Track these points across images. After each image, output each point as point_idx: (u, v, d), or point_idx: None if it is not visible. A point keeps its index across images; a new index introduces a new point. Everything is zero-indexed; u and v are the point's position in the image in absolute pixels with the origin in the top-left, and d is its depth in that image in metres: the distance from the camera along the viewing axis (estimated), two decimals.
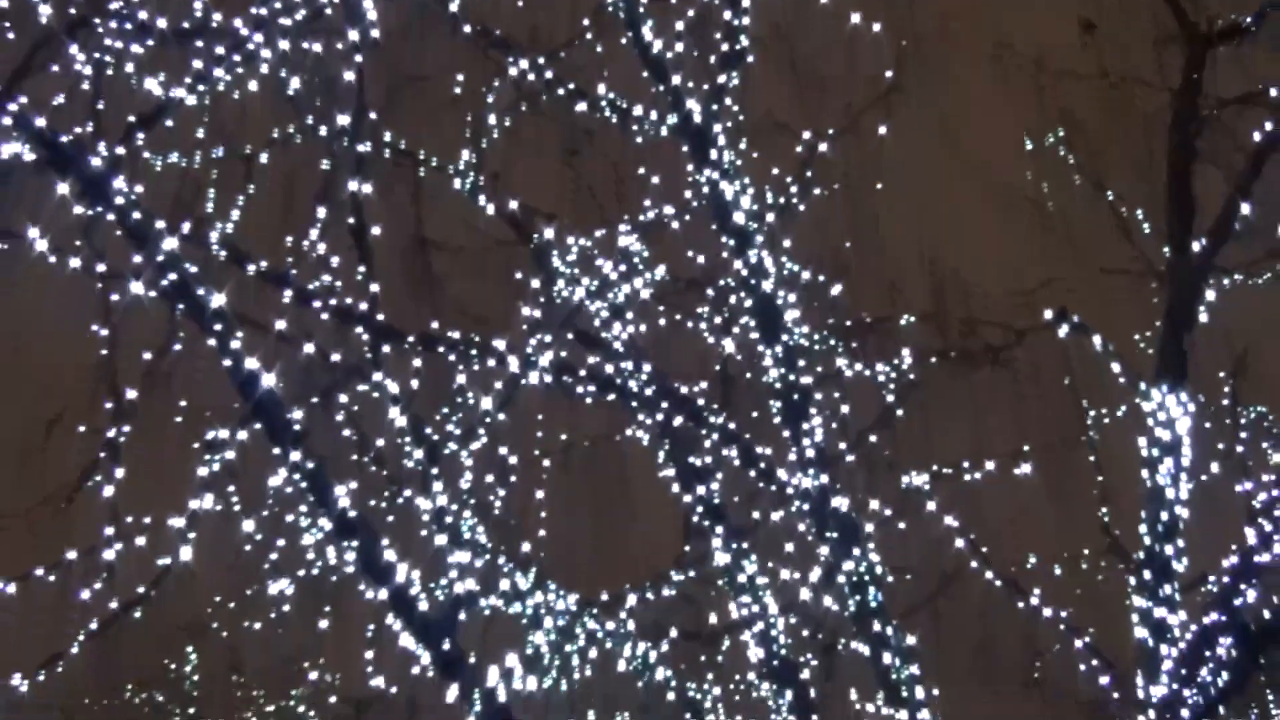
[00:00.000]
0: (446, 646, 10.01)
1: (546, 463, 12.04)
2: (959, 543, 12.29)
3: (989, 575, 12.61)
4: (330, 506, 9.98)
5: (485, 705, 10.05)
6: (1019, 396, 13.49)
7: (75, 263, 10.18)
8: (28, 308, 11.31)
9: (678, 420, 11.36)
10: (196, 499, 10.36)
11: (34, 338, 12.39)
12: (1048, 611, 12.46)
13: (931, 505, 12.11)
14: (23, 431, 11.93)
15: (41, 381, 12.13)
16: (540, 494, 11.78)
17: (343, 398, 11.16)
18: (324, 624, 11.87)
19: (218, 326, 9.68)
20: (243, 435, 10.39)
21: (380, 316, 10.81)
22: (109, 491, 10.59)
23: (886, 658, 11.08)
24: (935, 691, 11.01)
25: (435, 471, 10.90)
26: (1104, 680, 12.22)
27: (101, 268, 10.34)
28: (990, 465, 12.25)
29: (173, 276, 9.65)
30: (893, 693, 10.82)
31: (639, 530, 12.37)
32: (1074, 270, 13.48)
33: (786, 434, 11.18)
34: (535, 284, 11.68)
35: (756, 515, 11.54)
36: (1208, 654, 10.76)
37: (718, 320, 11.72)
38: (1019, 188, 14.62)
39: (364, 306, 10.77)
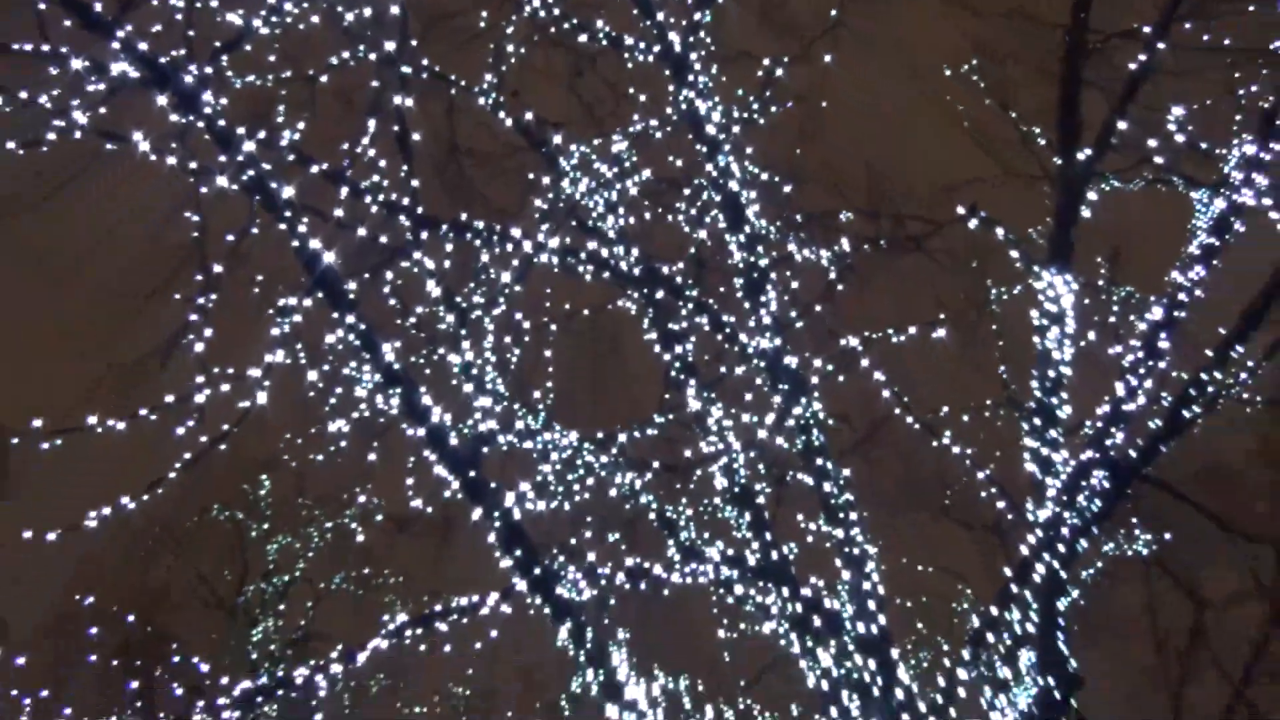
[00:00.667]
0: (472, 475, 10.44)
1: (554, 327, 12.27)
2: (886, 394, 12.69)
3: (910, 421, 12.96)
4: (378, 361, 10.39)
5: (503, 523, 10.43)
6: (936, 276, 13.86)
7: (171, 161, 10.41)
8: (134, 198, 11.61)
9: (659, 294, 11.74)
10: (270, 354, 10.64)
11: (139, 223, 12.69)
12: (956, 450, 12.83)
13: (864, 363, 12.54)
14: (131, 299, 12.27)
15: (145, 258, 12.40)
16: (548, 352, 11.99)
17: (388, 273, 11.39)
18: (372, 456, 12.13)
19: (287, 214, 10.05)
20: (307, 303, 10.72)
21: (419, 208, 11.03)
22: (199, 348, 10.81)
23: (827, 487, 11.30)
24: (866, 514, 11.33)
25: (464, 333, 11.21)
26: (1001, 505, 12.67)
27: (193, 165, 10.65)
28: (912, 331, 12.61)
29: (250, 173, 10.00)
30: (832, 515, 11.10)
31: (628, 382, 12.72)
32: (983, 174, 13.83)
33: (747, 305, 11.52)
34: (545, 182, 12.02)
35: (723, 370, 11.82)
36: (1084, 485, 11.11)
37: (692, 213, 11.97)
38: (941, 107, 14.93)
39: (406, 200, 11.00)
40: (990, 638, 11.13)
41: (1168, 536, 14.17)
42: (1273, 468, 14.85)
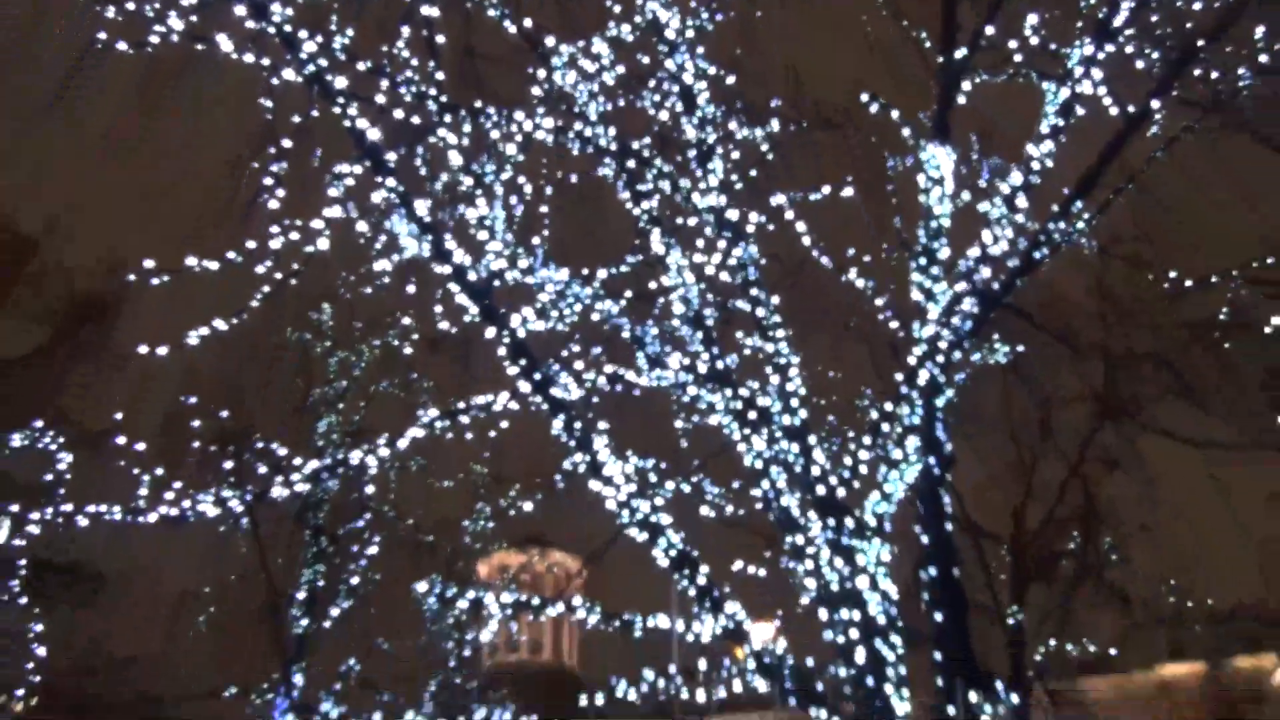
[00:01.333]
0: (486, 303, 11.00)
1: (548, 189, 12.58)
2: (806, 241, 13.16)
3: (825, 261, 13.24)
4: (412, 214, 10.94)
5: (510, 339, 10.99)
6: (847, 148, 14.16)
7: (249, 58, 10.96)
8: (221, 87, 12.03)
9: (630, 163, 11.93)
10: (328, 210, 11.32)
11: (223, 107, 13.11)
12: (860, 283, 13.18)
13: (790, 216, 12.98)
14: (217, 167, 12.63)
15: (228, 135, 12.79)
16: (544, 208, 12.28)
17: (419, 147, 11.60)
18: (411, 289, 12.37)
19: (340, 100, 10.62)
20: (357, 169, 11.14)
21: (443, 96, 11.32)
22: (274, 205, 11.41)
23: (761, 312, 11.67)
24: (790, 333, 11.77)
25: (478, 193, 11.55)
26: (894, 326, 13.13)
27: (266, 61, 11.12)
28: (826, 191, 13.04)
29: (311, 68, 10.58)
30: (764, 333, 11.61)
31: (606, 231, 13.17)
32: (883, 69, 14.15)
33: (699, 172, 11.85)
34: (541, 76, 12.38)
35: (680, 221, 11.96)
36: (958, 310, 11.67)
37: (656, 99, 12.24)
38: (849, 18, 15.12)
39: (432, 90, 11.21)
40: (885, 428, 11.74)
41: (1021, 349, 14.69)
42: (1103, 299, 15.21)
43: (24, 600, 19.60)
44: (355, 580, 21.56)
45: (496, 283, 11.37)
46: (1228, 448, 14.13)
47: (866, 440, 11.55)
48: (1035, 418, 18.60)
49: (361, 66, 11.19)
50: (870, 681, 10.60)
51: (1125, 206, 11.76)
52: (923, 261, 12.18)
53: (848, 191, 12.96)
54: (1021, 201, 11.31)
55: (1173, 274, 12.47)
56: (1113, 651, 22.07)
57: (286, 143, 11.12)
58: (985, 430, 18.24)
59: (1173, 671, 65.58)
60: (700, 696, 12.30)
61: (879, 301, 12.96)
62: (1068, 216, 11.08)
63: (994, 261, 11.42)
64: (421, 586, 15.50)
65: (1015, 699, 17.17)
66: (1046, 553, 19.57)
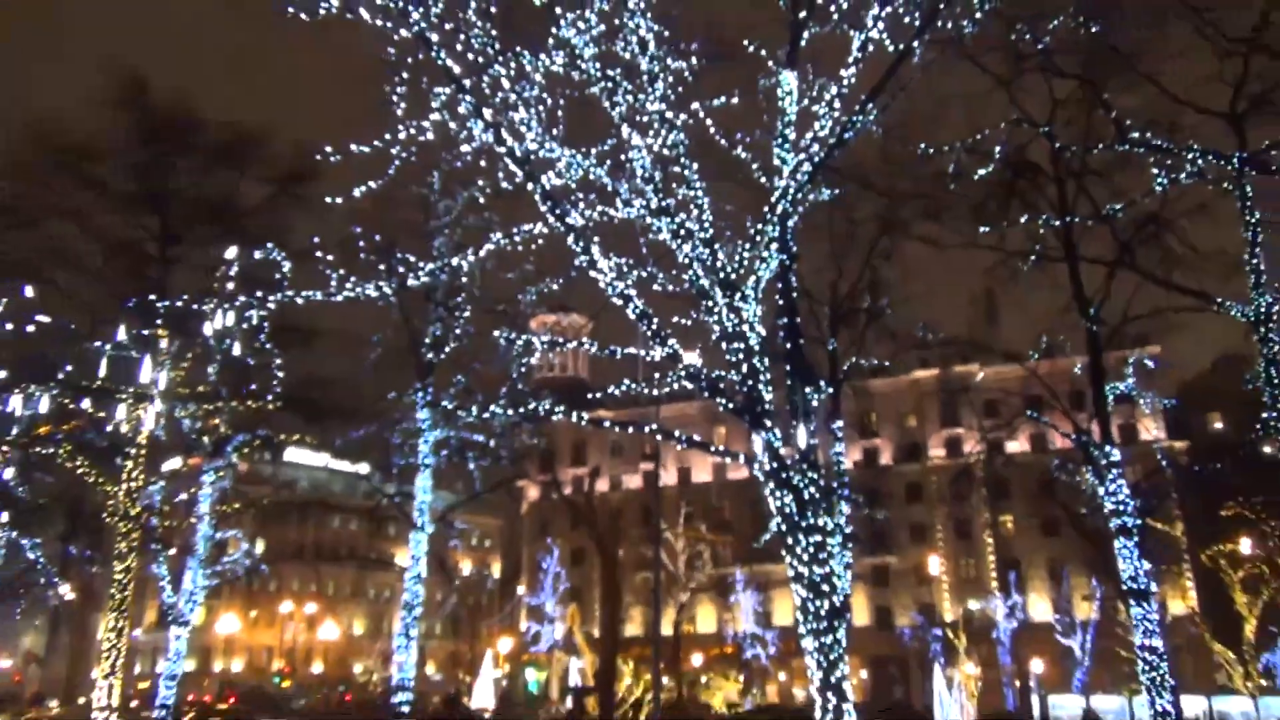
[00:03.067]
0: (527, 168, 11.35)
1: (561, 100, 12.10)
2: (713, 130, 12.65)
3: (723, 142, 12.94)
4: (481, 116, 11.16)
5: (541, 190, 11.37)
6: (736, 73, 14.12)
7: (379, 21, 10.80)
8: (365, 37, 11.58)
9: (609, 84, 11.89)
10: (432, 114, 11.49)
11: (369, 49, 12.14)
12: (744, 155, 12.91)
13: (702, 115, 12.52)
14: (362, 88, 12.78)
15: (370, 67, 12.36)
16: (560, 112, 12.09)
17: (484, 76, 11.44)
18: (483, 162, 13.03)
19: (435, 46, 11.09)
20: (447, 89, 11.34)
21: (496, 44, 11.39)
22: (400, 111, 11.40)
23: (686, 174, 12.00)
24: (704, 184, 12.09)
25: (520, 103, 11.63)
26: (763, 179, 12.73)
27: (389, 24, 11.00)
28: (722, 99, 12.50)
29: (416, 28, 10.97)
30: (688, 185, 11.95)
31: (596, 124, 12.57)
32: (757, 21, 14.08)
33: (649, 89, 11.86)
34: (555, 30, 11.77)
35: (639, 119, 11.92)
36: (800, 169, 11.75)
37: (623, 44, 11.88)
38: None
39: (490, 39, 11.39)
40: (758, 238, 12.45)
41: (837, 191, 14.83)
42: (885, 161, 15.42)
43: (270, 345, 20.32)
44: (458, 330, 22.53)
45: (532, 157, 11.70)
46: (955, 246, 15.13)
47: (747, 245, 11.95)
48: (845, 229, 19.19)
49: (448, 26, 11.16)
50: (749, 384, 11.48)
51: (896, 107, 12.15)
52: (779, 140, 12.26)
53: (735, 100, 12.74)
54: (837, 105, 11.61)
55: (923, 145, 13.15)
56: (886, 364, 23.28)
57: (405, 74, 11.32)
58: (816, 238, 18.87)
59: (919, 374, 68.98)
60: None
61: (754, 165, 12.90)
62: (864, 112, 11.18)
63: (820, 140, 11.78)
64: (497, 333, 16.41)
65: (830, 389, 18.55)
66: (848, 308, 20.52)
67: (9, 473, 24.09)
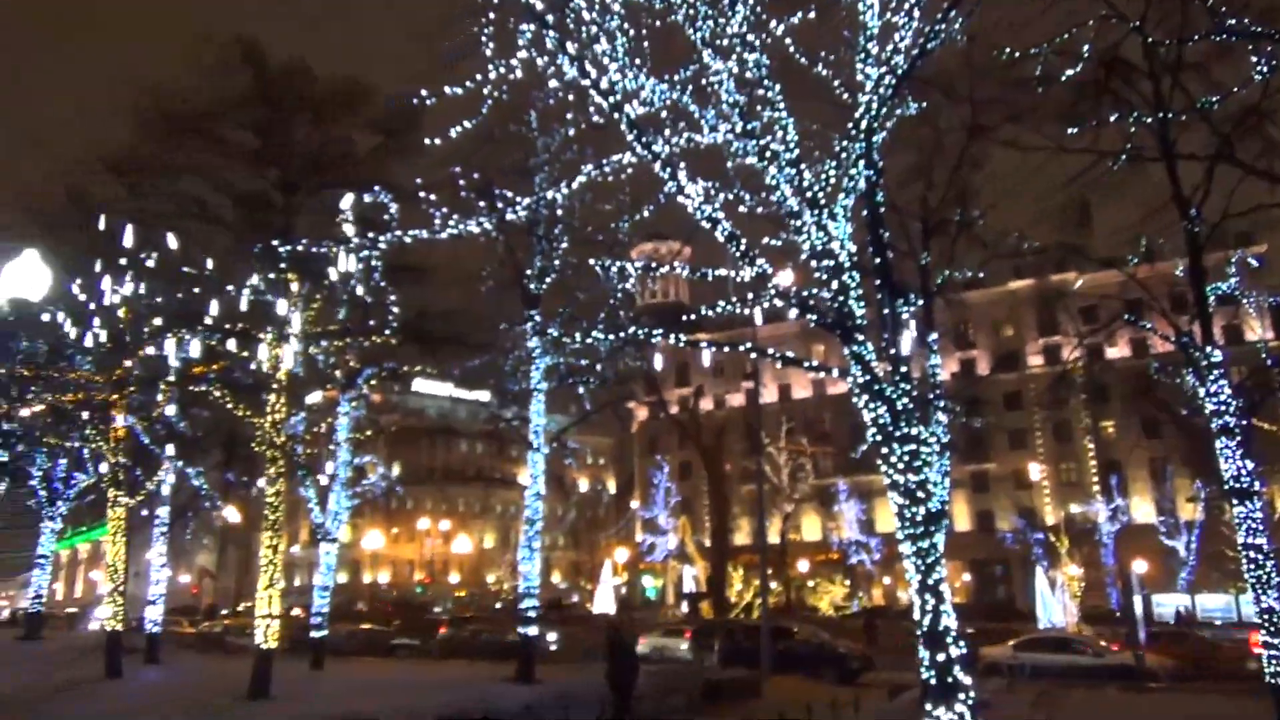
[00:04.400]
0: (611, 99, 11.06)
1: (644, 30, 11.66)
2: (793, 49, 12.17)
3: (803, 60, 12.46)
4: (566, 51, 11.05)
5: (627, 120, 11.05)
6: None
7: None
8: None
9: (690, 10, 11.49)
10: (520, 53, 11.27)
11: None
12: (826, 73, 12.37)
13: (781, 34, 11.96)
14: (450, 30, 12.38)
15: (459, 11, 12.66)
16: (645, 43, 11.58)
17: (568, 13, 11.19)
18: (570, 96, 12.73)
19: None
20: (531, 26, 11.13)
21: None
22: (488, 52, 11.21)
23: (770, 95, 11.54)
24: (788, 105, 11.62)
25: (603, 35, 11.28)
26: (846, 96, 12.16)
27: None
28: (799, 16, 12.51)
29: None
30: (773, 106, 11.48)
31: (679, 51, 12.66)
32: None
33: (730, 11, 11.34)
34: None
35: (720, 42, 11.46)
36: (883, 82, 11.23)
37: None
38: None
39: None
40: (843, 155, 12.11)
41: (924, 104, 14.63)
42: (969, 68, 14.70)
43: (387, 283, 20.96)
44: (557, 261, 22.73)
45: (617, 87, 11.33)
46: (1045, 150, 14.31)
47: (834, 164, 11.60)
48: (931, 140, 18.39)
49: None
50: (840, 300, 11.21)
51: (981, 12, 11.55)
52: (861, 55, 11.67)
53: (813, 16, 11.90)
54: (917, 14, 10.95)
55: (1009, 49, 12.41)
56: (980, 275, 22.43)
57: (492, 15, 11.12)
58: (903, 151, 18.14)
59: (1014, 284, 66.42)
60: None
61: (837, 83, 12.40)
62: (947, 20, 10.59)
63: (903, 52, 11.14)
64: (593, 261, 16.47)
65: (923, 302, 17.98)
66: (938, 220, 19.79)
67: (171, 410, 25.66)
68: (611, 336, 16.88)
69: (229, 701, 18.09)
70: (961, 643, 10.11)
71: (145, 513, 28.98)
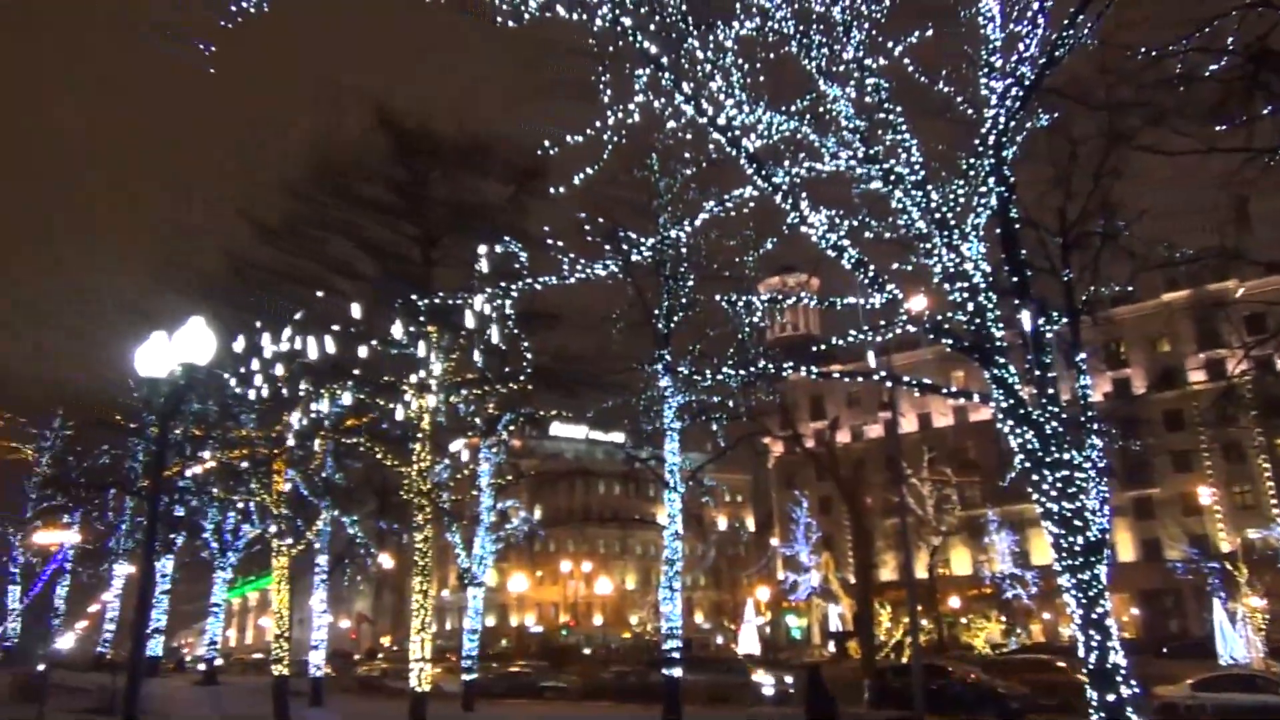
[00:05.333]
0: (729, 134, 11.16)
1: (758, 65, 11.64)
2: (911, 69, 12.03)
3: (924, 80, 12.23)
4: (682, 90, 11.05)
5: (746, 154, 11.16)
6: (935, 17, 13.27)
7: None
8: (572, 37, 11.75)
9: (804, 40, 11.43)
10: (637, 96, 11.53)
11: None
12: (947, 89, 12.12)
13: (898, 55, 11.85)
14: (571, 81, 12.20)
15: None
16: (761, 76, 11.65)
17: (682, 53, 11.31)
18: (688, 136, 12.80)
19: (633, 34, 11.08)
20: (647, 70, 11.28)
21: (690, 18, 11.19)
22: (605, 98, 11.59)
23: (891, 118, 11.41)
24: (908, 125, 11.36)
25: (717, 73, 11.31)
26: (970, 111, 11.95)
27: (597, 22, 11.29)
28: (918, 35, 12.21)
29: (618, 26, 10.99)
30: (894, 129, 11.29)
31: (792, 81, 12.61)
32: None
33: (845, 39, 11.29)
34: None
35: (834, 68, 11.40)
36: (1009, 95, 10.95)
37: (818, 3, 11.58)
38: None
39: (683, 17, 11.19)
40: (971, 174, 11.73)
41: (1055, 115, 13.70)
42: (1103, 73, 13.85)
43: (521, 330, 21.43)
44: (685, 299, 22.74)
45: (733, 123, 11.43)
46: (1192, 152, 13.45)
47: (961, 183, 11.31)
48: (1066, 151, 17.58)
49: (642, 10, 11.09)
50: (977, 322, 10.89)
51: (1110, 15, 11.07)
52: (984, 69, 11.32)
53: (931, 33, 11.89)
54: (1042, 21, 10.67)
55: (1145, 49, 11.79)
56: (1129, 288, 21.25)
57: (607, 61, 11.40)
58: (1036, 165, 17.39)
59: (1167, 296, 62.56)
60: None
61: (960, 100, 12.15)
62: (1075, 26, 10.18)
63: (1029, 61, 10.78)
64: (719, 296, 16.44)
65: (1067, 320, 17.09)
66: (1079, 233, 18.90)
67: (327, 462, 26.96)
68: (742, 372, 16.77)
69: None
70: (1133, 681, 9.43)
71: (307, 561, 30.33)
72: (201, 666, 39.38)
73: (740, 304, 16.18)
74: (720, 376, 18.41)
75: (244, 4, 9.06)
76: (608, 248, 19.28)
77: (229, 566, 37.30)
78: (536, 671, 39.97)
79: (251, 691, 31.47)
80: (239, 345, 19.19)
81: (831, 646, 59.78)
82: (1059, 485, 10.16)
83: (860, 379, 11.49)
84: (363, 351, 19.35)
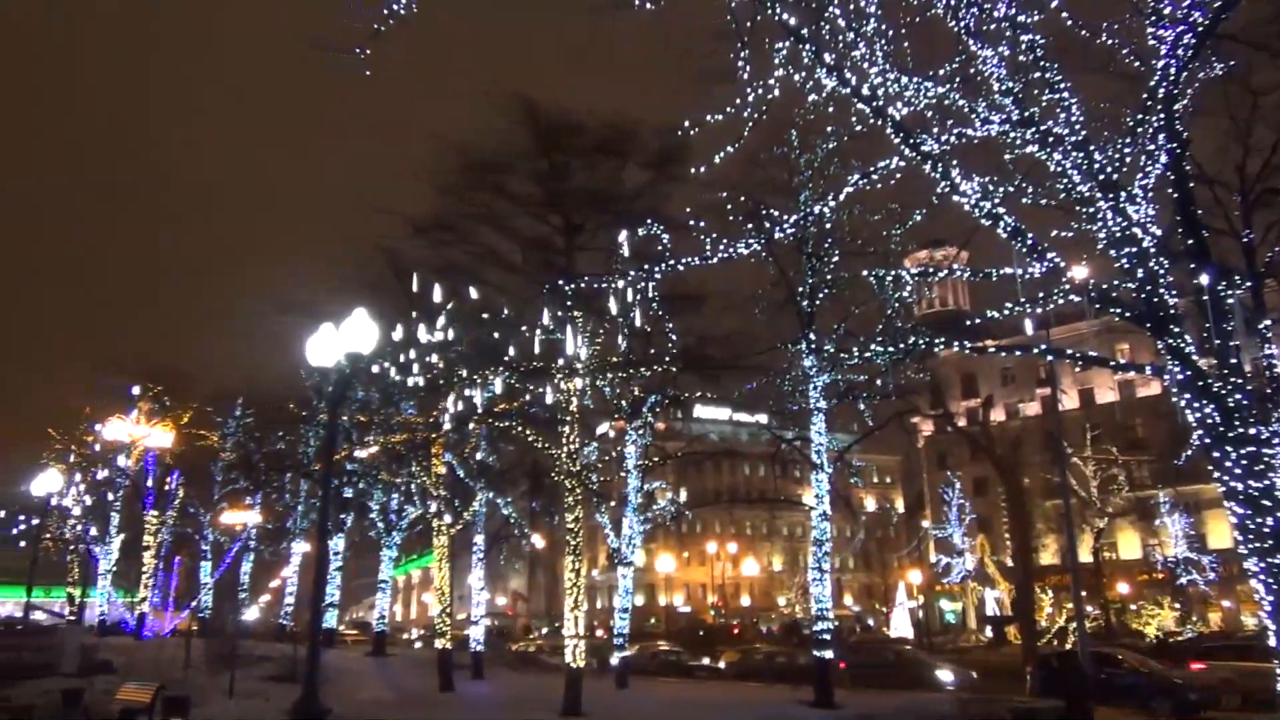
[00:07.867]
0: (875, 104, 10.91)
1: (903, 30, 11.22)
2: (1068, 21, 12.12)
3: (1085, 34, 11.44)
4: (824, 62, 10.99)
5: (892, 122, 10.83)
6: None
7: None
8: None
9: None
10: (778, 70, 11.34)
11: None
12: (1111, 42, 11.39)
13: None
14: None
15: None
16: (906, 44, 11.23)
17: (824, 22, 11.05)
18: (831, 109, 12.24)
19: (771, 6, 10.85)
20: (786, 44, 11.28)
21: None
22: (744, 76, 11.65)
23: (1048, 75, 10.81)
24: (1069, 83, 10.78)
25: (861, 42, 10.98)
26: (1138, 64, 11.32)
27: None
28: None
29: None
30: (1052, 87, 10.70)
31: (939, 45, 12.19)
32: None
33: None
34: None
35: (985, 28, 10.95)
36: (1180, 43, 10.27)
37: None
38: None
39: None
40: (1139, 130, 10.93)
41: (1232, 63, 13.10)
42: None
43: (665, 312, 21.56)
44: (830, 276, 22.29)
45: (879, 91, 11.08)
46: None
47: (1128, 141, 10.64)
48: (1245, 102, 16.26)
49: None
50: (1148, 290, 10.26)
51: None
52: (1153, 17, 10.47)
53: None
54: None
55: None
56: None
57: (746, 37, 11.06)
58: (1212, 118, 16.14)
59: None
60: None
61: (1125, 51, 11.32)
62: None
63: (1203, 5, 9.98)
64: (865, 272, 16.03)
65: (1250, 284, 15.91)
66: (1261, 190, 17.49)
67: (481, 446, 27.95)
68: (890, 349, 16.32)
69: (548, 716, 19.07)
70: None
71: (465, 540, 31.55)
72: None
73: (889, 280, 15.73)
74: (867, 355, 17.98)
75: (395, 6, 9.29)
76: (750, 227, 19.14)
77: (394, 545, 39.33)
78: (687, 650, 40.31)
79: (417, 664, 33.04)
80: (398, 335, 20.07)
81: (989, 632, 57.73)
82: (1244, 462, 9.44)
83: (1018, 353, 10.92)
84: (512, 338, 19.87)
